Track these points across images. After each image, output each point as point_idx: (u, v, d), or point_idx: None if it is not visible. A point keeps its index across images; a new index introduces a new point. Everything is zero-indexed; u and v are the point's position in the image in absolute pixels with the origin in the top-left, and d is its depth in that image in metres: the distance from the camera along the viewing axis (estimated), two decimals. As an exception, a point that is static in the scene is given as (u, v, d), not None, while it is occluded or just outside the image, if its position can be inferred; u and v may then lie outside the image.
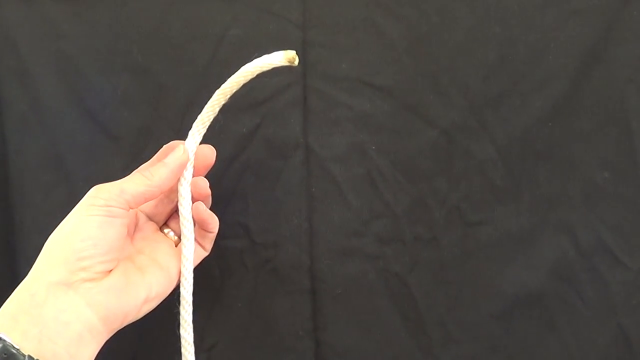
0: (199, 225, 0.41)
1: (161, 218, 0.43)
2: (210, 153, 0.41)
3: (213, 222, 0.41)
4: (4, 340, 0.32)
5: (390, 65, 0.44)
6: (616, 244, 0.44)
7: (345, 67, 0.44)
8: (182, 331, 0.40)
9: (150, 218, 0.43)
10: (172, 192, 0.41)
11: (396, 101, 0.44)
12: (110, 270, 0.37)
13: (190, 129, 0.44)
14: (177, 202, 0.41)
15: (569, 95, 0.44)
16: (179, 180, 0.40)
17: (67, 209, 0.47)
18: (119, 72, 0.46)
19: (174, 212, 0.43)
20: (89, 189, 0.47)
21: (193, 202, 0.40)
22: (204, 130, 0.40)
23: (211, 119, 0.40)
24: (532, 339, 0.45)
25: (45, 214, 0.47)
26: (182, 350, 0.40)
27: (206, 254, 0.42)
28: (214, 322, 0.46)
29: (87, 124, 0.47)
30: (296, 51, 0.44)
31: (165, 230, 0.43)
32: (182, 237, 0.40)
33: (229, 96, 0.40)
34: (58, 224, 0.47)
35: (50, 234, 0.47)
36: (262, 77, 0.45)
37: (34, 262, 0.47)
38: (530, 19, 0.43)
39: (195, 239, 0.41)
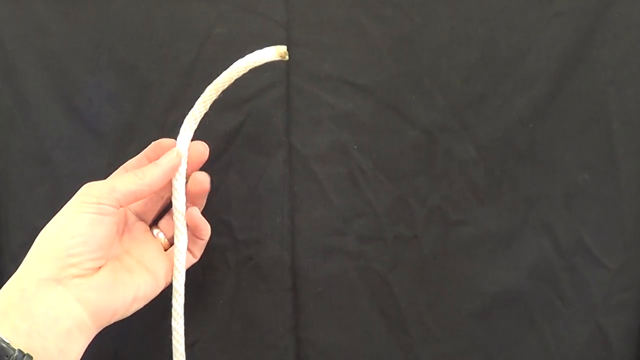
0: (191, 231, 0.43)
1: (151, 216, 0.45)
2: (203, 149, 0.43)
3: (205, 229, 0.43)
4: None
5: (373, 65, 0.46)
6: (595, 244, 0.46)
7: (329, 66, 0.47)
8: (173, 322, 0.42)
9: (139, 216, 0.45)
10: (162, 190, 0.43)
11: (378, 101, 0.46)
12: (99, 268, 0.39)
13: (174, 126, 0.46)
14: (169, 197, 0.43)
15: (550, 97, 0.46)
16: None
17: (52, 205, 0.49)
18: (104, 69, 0.49)
19: (164, 212, 0.46)
20: (74, 185, 0.49)
21: (191, 197, 0.43)
22: (194, 126, 0.43)
23: (202, 114, 0.43)
24: (512, 337, 0.47)
25: (30, 210, 0.49)
26: (173, 341, 0.42)
27: (195, 260, 0.45)
28: (195, 319, 0.48)
29: (72, 120, 0.49)
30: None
31: (155, 232, 0.45)
32: (175, 230, 0.42)
33: (220, 92, 0.42)
34: (43, 220, 0.49)
35: (34, 230, 0.49)
36: (246, 75, 0.47)
37: (19, 258, 0.50)
38: (512, 20, 0.46)
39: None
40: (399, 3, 0.46)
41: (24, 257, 0.49)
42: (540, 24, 0.46)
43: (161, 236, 0.45)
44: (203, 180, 0.43)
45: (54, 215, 0.49)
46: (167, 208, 0.46)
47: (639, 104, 0.46)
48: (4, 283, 0.49)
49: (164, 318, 0.48)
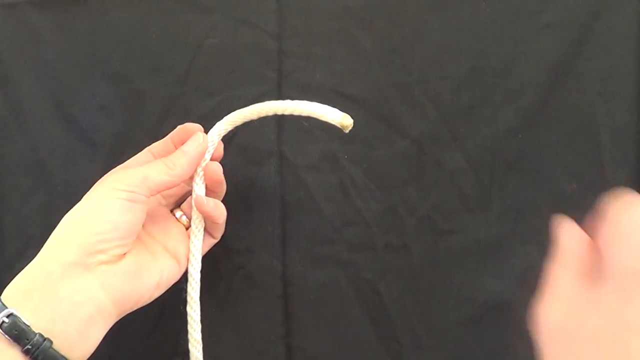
0: (206, 217, 0.44)
1: (174, 200, 0.46)
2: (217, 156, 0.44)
3: (217, 214, 0.43)
4: (16, 316, 0.35)
5: (364, 76, 0.48)
6: (583, 253, 0.48)
7: (320, 77, 0.48)
8: (188, 309, 0.43)
9: (163, 198, 0.45)
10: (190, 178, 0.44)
11: (369, 111, 0.48)
12: (125, 254, 0.39)
13: (166, 135, 0.48)
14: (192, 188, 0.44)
15: (539, 107, 0.47)
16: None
17: (46, 213, 0.51)
18: (98, 79, 0.50)
19: (188, 195, 0.46)
20: (68, 194, 0.51)
21: (208, 188, 0.44)
22: (230, 127, 0.44)
23: (239, 124, 0.44)
24: (501, 345, 0.49)
25: (25, 218, 0.51)
26: (189, 327, 0.43)
27: (215, 241, 0.46)
28: (186, 329, 0.49)
29: (66, 129, 0.51)
30: (272, 61, 0.49)
31: (178, 214, 0.45)
32: (192, 222, 0.43)
33: (268, 114, 0.43)
34: (37, 228, 0.51)
35: (29, 237, 0.52)
36: (238, 86, 0.49)
37: (14, 265, 0.51)
38: (502, 32, 0.47)
39: (205, 228, 0.44)
40: (390, 15, 0.48)
41: (19, 265, 0.50)
42: (529, 36, 0.47)
43: (184, 219, 0.45)
44: (216, 170, 0.43)
45: (48, 223, 0.50)
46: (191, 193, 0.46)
47: (627, 115, 0.47)
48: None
49: (157, 324, 0.49)
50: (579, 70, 0.47)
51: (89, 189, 0.50)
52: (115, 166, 0.49)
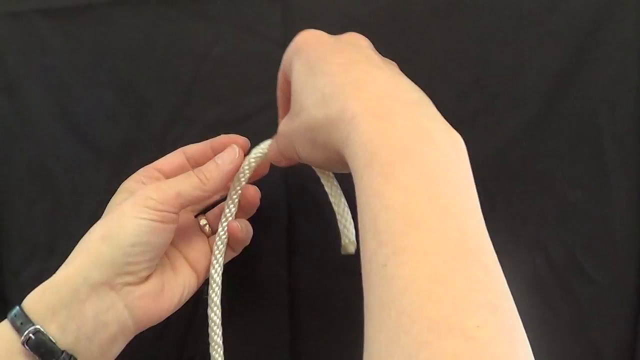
0: (236, 241, 0.44)
1: (200, 207, 0.46)
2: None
3: (247, 237, 0.44)
4: (43, 333, 0.35)
5: (369, 84, 0.48)
6: (587, 260, 0.48)
7: (325, 85, 0.49)
8: (209, 312, 0.43)
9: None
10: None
11: (374, 119, 0.48)
12: (150, 275, 0.40)
13: (174, 143, 0.49)
14: (223, 200, 0.44)
15: (543, 115, 0.48)
16: (231, 182, 0.43)
17: (52, 221, 0.51)
18: (104, 87, 0.51)
19: (215, 203, 0.47)
20: (73, 202, 0.51)
21: (239, 208, 0.44)
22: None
23: None
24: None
25: (30, 225, 0.52)
26: (210, 331, 0.43)
27: (234, 255, 0.45)
28: (192, 335, 0.50)
29: (73, 137, 0.52)
30: (278, 69, 0.49)
31: (202, 222, 0.45)
32: (217, 235, 0.43)
33: None
34: (43, 236, 0.51)
35: (35, 245, 0.52)
36: (243, 95, 0.49)
37: (20, 273, 0.52)
38: (506, 39, 0.48)
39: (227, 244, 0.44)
40: (395, 23, 0.48)
41: (25, 272, 0.51)
42: (533, 44, 0.48)
43: (207, 229, 0.45)
44: (254, 194, 0.44)
45: (54, 231, 0.51)
46: (218, 202, 0.47)
47: (630, 122, 0.48)
48: (5, 297, 0.51)
49: (164, 329, 0.49)
50: (582, 78, 0.48)
51: (94, 197, 0.50)
52: (121, 174, 0.49)
